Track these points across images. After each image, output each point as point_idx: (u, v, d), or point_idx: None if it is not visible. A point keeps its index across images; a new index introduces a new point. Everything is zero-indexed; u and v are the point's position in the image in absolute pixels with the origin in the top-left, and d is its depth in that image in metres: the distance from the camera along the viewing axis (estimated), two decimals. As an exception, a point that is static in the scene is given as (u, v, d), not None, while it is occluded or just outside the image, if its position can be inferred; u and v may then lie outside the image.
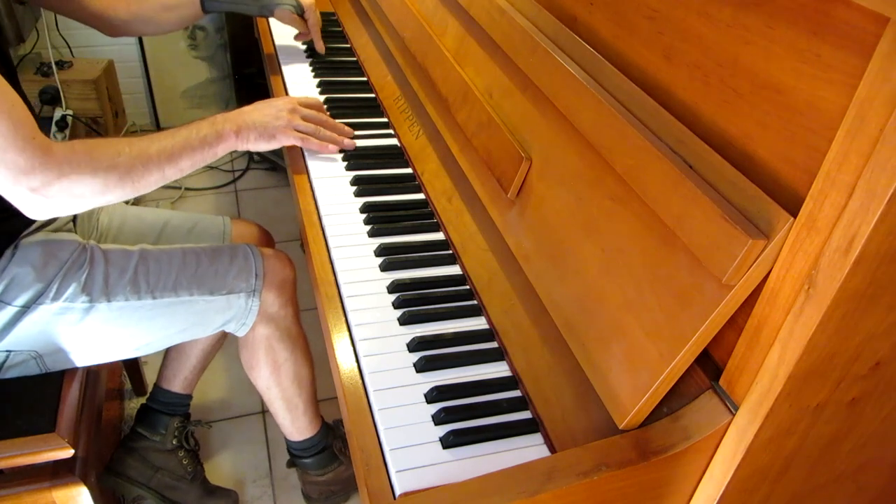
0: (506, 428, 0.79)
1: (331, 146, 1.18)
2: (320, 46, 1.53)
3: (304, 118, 1.14)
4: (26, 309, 0.98)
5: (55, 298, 0.99)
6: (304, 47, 1.62)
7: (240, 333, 1.16)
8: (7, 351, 1.00)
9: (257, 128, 1.06)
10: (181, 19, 1.37)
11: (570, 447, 0.70)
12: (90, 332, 1.03)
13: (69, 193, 0.88)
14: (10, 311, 0.97)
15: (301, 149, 1.19)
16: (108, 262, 1.04)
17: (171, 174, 0.98)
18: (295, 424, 1.31)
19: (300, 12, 1.47)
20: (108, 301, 1.02)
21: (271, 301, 1.14)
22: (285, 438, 1.36)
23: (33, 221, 1.04)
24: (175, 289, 1.07)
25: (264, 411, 1.69)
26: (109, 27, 1.29)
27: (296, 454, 1.37)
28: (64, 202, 0.89)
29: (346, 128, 1.23)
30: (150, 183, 0.96)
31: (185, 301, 1.07)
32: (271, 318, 1.16)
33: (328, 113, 1.25)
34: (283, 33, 1.65)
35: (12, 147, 0.81)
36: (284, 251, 1.22)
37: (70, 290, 1.00)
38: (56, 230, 1.09)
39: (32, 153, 0.83)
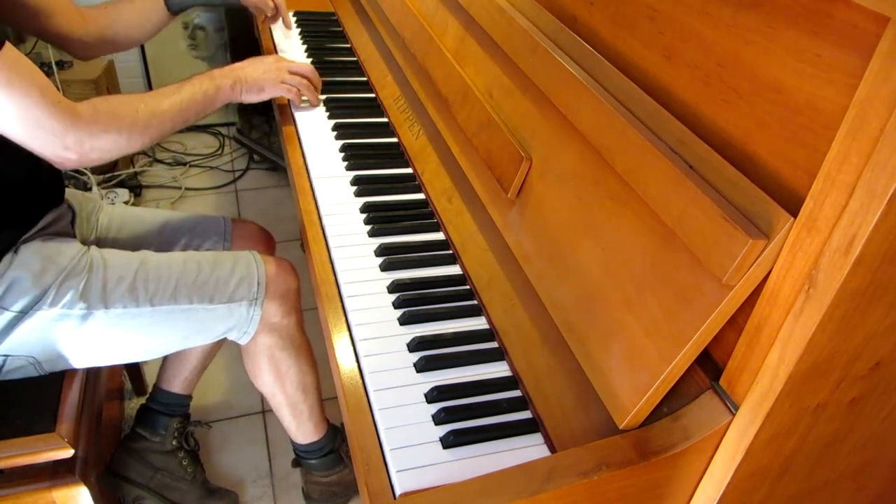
0: (506, 428, 0.79)
1: (313, 100, 1.36)
2: (288, 24, 1.64)
3: (291, 72, 1.28)
4: (23, 314, 0.97)
5: (52, 305, 0.98)
6: (304, 46, 1.62)
7: (241, 341, 1.15)
8: (4, 355, 0.99)
9: (248, 81, 1.19)
10: (150, 28, 1.36)
11: (571, 447, 0.70)
12: (88, 338, 1.02)
13: (98, 149, 0.96)
14: (7, 317, 0.97)
15: (290, 107, 1.36)
16: (107, 268, 1.04)
17: (179, 125, 1.09)
18: (300, 429, 1.30)
19: None
20: (106, 308, 1.01)
21: (273, 311, 1.13)
22: (290, 440, 1.36)
23: (34, 225, 1.04)
24: (174, 297, 1.06)
25: (264, 411, 1.69)
26: (80, 48, 1.27)
27: (301, 455, 1.37)
28: (93, 157, 0.97)
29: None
30: (162, 134, 1.06)
31: (185, 309, 1.07)
32: (274, 327, 1.15)
33: (319, 73, 1.37)
34: (282, 33, 1.66)
35: (47, 113, 0.89)
36: (287, 258, 1.21)
37: (67, 297, 0.99)
38: (56, 233, 1.08)
39: (62, 116, 0.90)
